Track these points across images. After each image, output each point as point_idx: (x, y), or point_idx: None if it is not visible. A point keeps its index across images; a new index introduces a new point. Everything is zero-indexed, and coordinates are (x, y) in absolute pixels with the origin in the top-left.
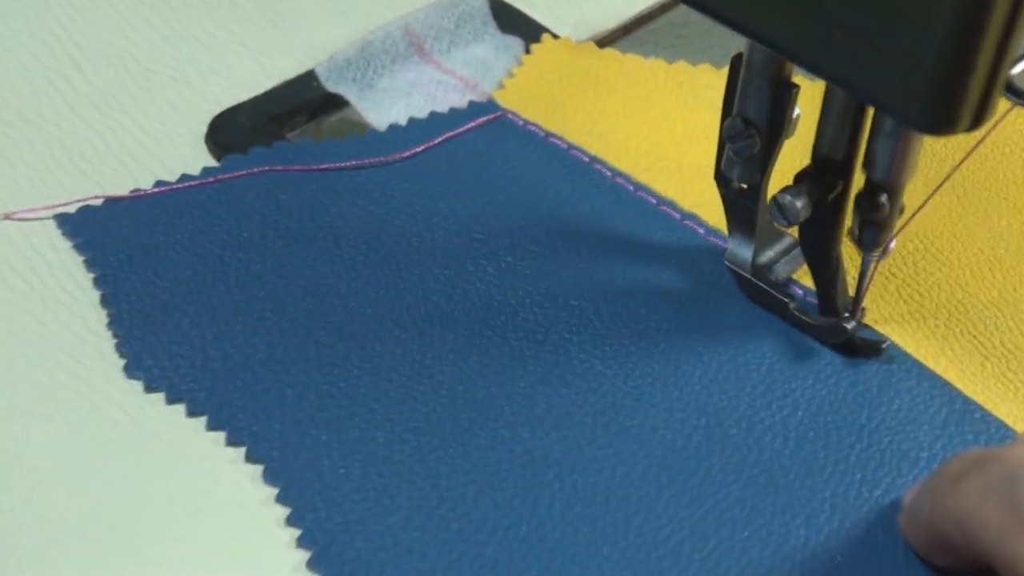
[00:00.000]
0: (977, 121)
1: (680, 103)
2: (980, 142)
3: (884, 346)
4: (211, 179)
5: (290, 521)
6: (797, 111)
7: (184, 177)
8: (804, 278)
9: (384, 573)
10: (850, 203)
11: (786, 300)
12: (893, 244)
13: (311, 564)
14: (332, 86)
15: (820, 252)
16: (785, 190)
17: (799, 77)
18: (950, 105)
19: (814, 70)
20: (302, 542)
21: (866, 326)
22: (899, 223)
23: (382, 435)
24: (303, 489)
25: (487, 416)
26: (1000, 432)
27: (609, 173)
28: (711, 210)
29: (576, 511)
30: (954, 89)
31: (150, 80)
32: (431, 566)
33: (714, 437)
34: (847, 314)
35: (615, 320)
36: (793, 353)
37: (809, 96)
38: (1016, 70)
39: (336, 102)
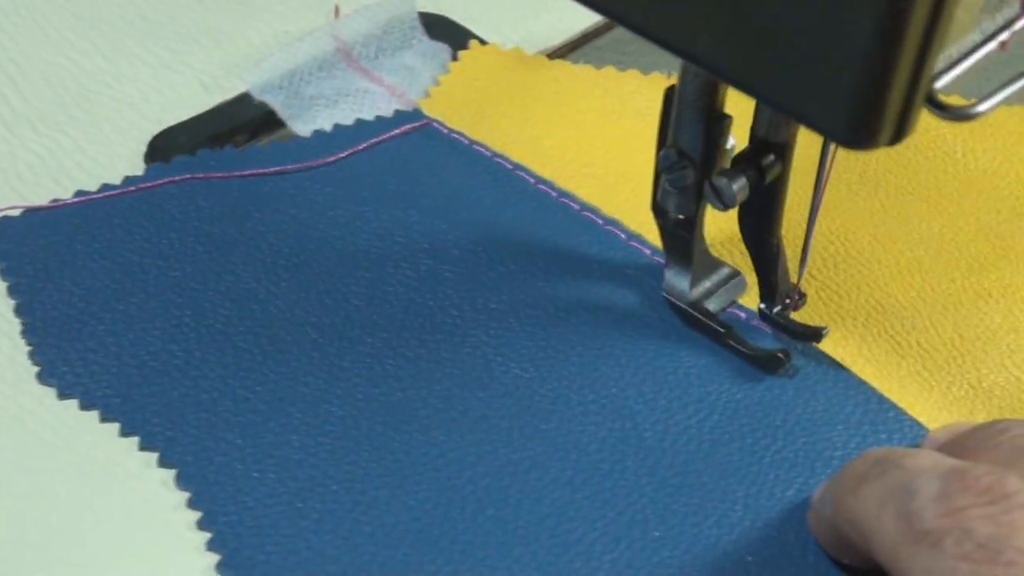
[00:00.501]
0: (898, 135)
1: (607, 109)
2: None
3: (824, 332)
4: (132, 188)
5: (201, 525)
6: (732, 142)
7: (105, 187)
8: (747, 301)
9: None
10: (787, 188)
11: (722, 330)
12: None
13: (220, 567)
14: (258, 93)
15: (759, 237)
16: (722, 172)
17: (733, 108)
18: (870, 120)
19: (739, 86)
20: (212, 545)
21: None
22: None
23: (297, 439)
24: (215, 493)
25: (402, 419)
26: (913, 431)
27: (532, 180)
28: (633, 216)
29: (488, 514)
30: (873, 105)
31: (89, 100)
32: (342, 569)
33: (629, 440)
34: (787, 300)
35: (533, 324)
36: (710, 357)
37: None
38: (939, 84)
39: (277, 120)
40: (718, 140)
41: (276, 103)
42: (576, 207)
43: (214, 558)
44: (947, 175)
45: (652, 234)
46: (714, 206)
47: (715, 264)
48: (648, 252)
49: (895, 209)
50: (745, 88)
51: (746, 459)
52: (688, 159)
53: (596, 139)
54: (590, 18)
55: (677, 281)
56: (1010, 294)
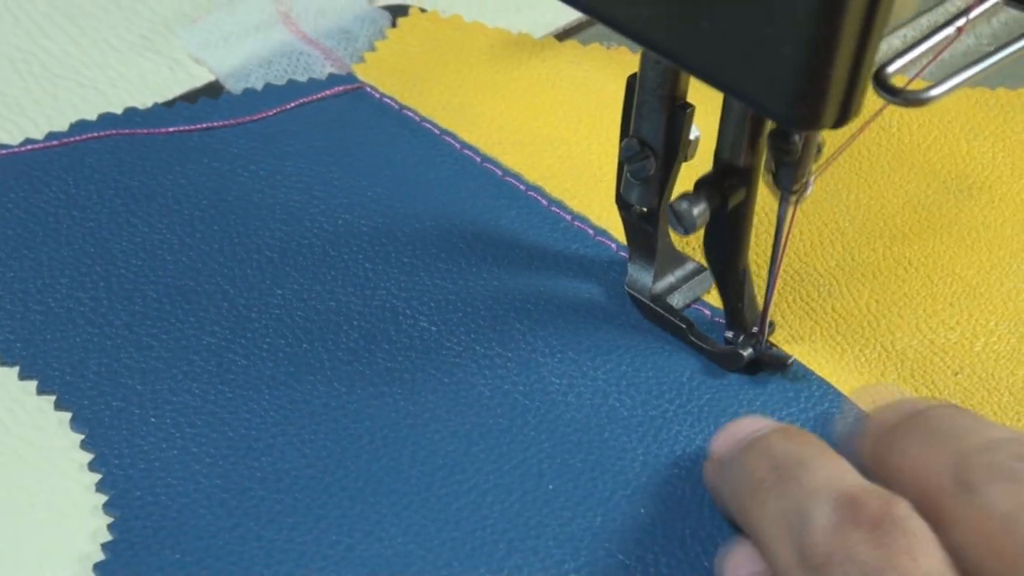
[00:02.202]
0: (843, 118)
1: (542, 78)
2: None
3: (790, 362)
4: (55, 142)
5: (92, 466)
6: (696, 133)
7: (27, 141)
8: (711, 298)
9: (181, 517)
10: (753, 214)
11: (684, 326)
12: (811, 187)
13: (107, 507)
14: (194, 51)
15: (725, 263)
16: (682, 196)
17: (696, 97)
18: (813, 102)
19: (681, 64)
20: (102, 486)
21: (772, 345)
22: (819, 163)
23: (197, 387)
24: (110, 436)
25: (306, 370)
26: (821, 389)
27: (458, 145)
28: (556, 183)
29: (382, 463)
30: (816, 87)
31: (56, 85)
32: (229, 511)
33: (533, 395)
34: (755, 328)
35: (444, 280)
36: (624, 313)
37: (713, 108)
38: (892, 68)
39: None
40: (680, 130)
41: (211, 61)
42: (499, 172)
43: (102, 498)
44: (881, 148)
45: (576, 200)
46: (675, 230)
47: (680, 259)
48: (569, 218)
49: (825, 180)
50: (691, 69)
51: (649, 414)
52: (650, 149)
53: (527, 107)
54: (571, 14)
55: (640, 276)
56: (931, 262)
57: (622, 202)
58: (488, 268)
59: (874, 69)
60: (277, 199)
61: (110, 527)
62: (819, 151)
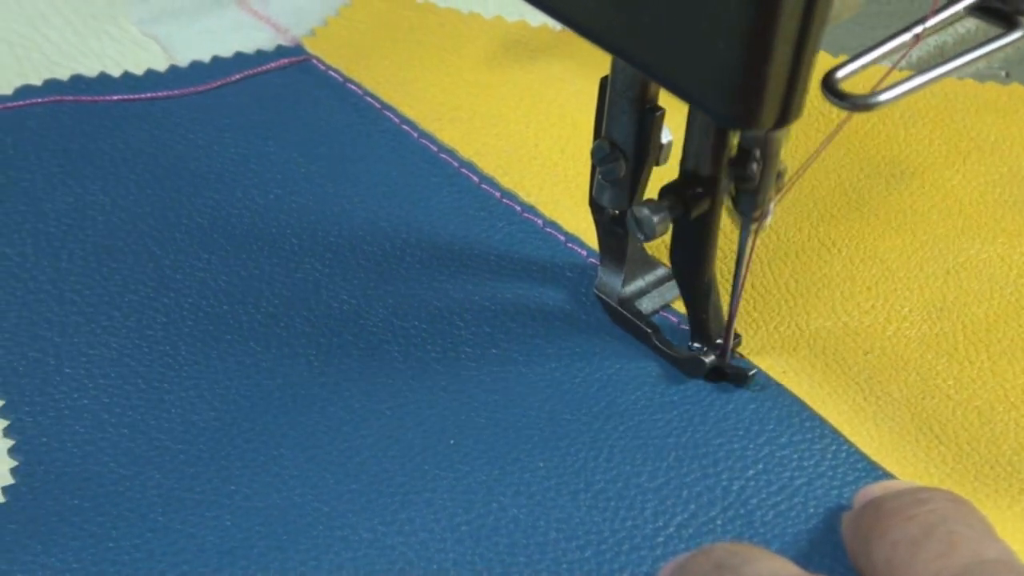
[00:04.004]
0: (783, 118)
1: (488, 56)
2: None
3: (752, 374)
4: None
5: (2, 412)
6: (669, 137)
7: None
8: (679, 304)
9: (85, 464)
10: (718, 224)
11: (649, 331)
12: (771, 214)
13: (12, 452)
14: (145, 28)
15: (689, 273)
16: (644, 203)
17: (668, 101)
18: (750, 100)
19: (625, 58)
20: (9, 431)
21: (738, 355)
22: (782, 189)
23: (115, 341)
24: (22, 384)
25: (224, 329)
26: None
27: (397, 120)
28: (490, 160)
29: (290, 418)
30: (754, 86)
31: (52, 71)
32: (134, 459)
33: (446, 360)
34: (719, 340)
35: (368, 258)
36: (564, 287)
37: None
38: (841, 73)
39: None
40: (650, 133)
41: (161, 36)
42: (435, 149)
43: (9, 443)
44: (819, 133)
45: (507, 177)
46: (635, 237)
47: (651, 263)
48: (498, 195)
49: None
50: (635, 64)
51: (554, 375)
52: (620, 152)
53: (471, 84)
54: None
55: (610, 279)
56: (854, 245)
57: (594, 205)
58: (412, 245)
59: (823, 72)
60: (212, 169)
61: (13, 471)
62: (780, 177)
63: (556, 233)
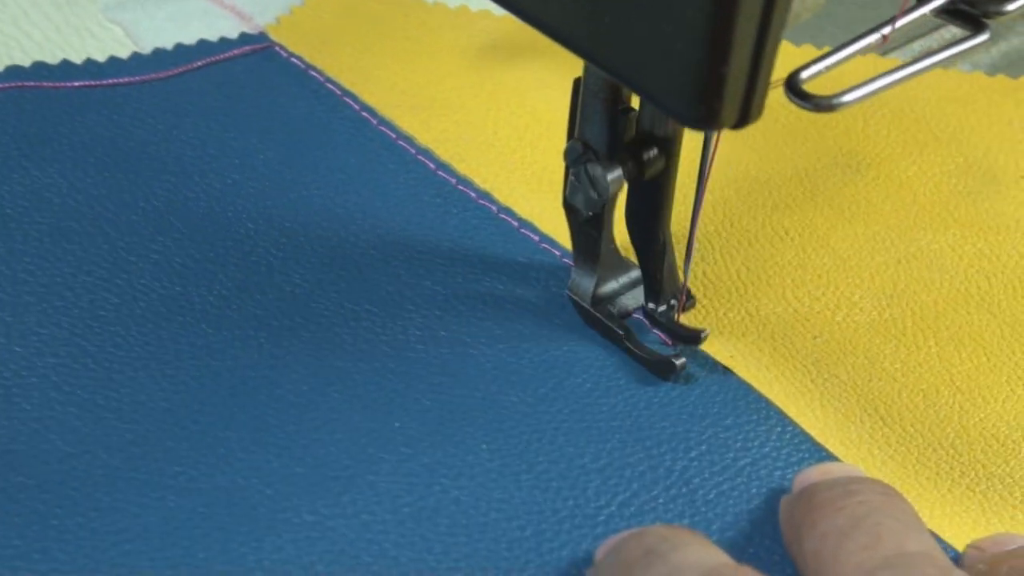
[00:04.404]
0: (743, 118)
1: (451, 45)
2: None
3: (704, 335)
4: None
5: None
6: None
7: None
8: None
9: (32, 442)
10: (675, 184)
11: (621, 333)
12: None
13: None
14: (111, 14)
15: (645, 233)
16: (598, 161)
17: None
18: (712, 101)
19: (589, 58)
20: None
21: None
22: None
23: (67, 320)
24: None
25: (176, 311)
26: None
27: (357, 106)
28: (447, 147)
29: (238, 400)
30: (713, 85)
31: (15, 59)
32: (80, 439)
33: (395, 342)
34: (673, 301)
35: (322, 243)
36: (515, 272)
37: None
38: (806, 74)
39: None
40: (622, 134)
41: (126, 22)
42: (393, 136)
43: None
44: (777, 124)
45: (464, 164)
46: (586, 196)
47: (625, 265)
48: (453, 181)
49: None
50: (599, 64)
51: (503, 359)
52: (593, 152)
53: (431, 73)
54: None
55: (583, 281)
56: (807, 233)
57: (567, 206)
58: (367, 230)
59: (787, 73)
60: (171, 154)
61: None
62: None
63: (509, 219)
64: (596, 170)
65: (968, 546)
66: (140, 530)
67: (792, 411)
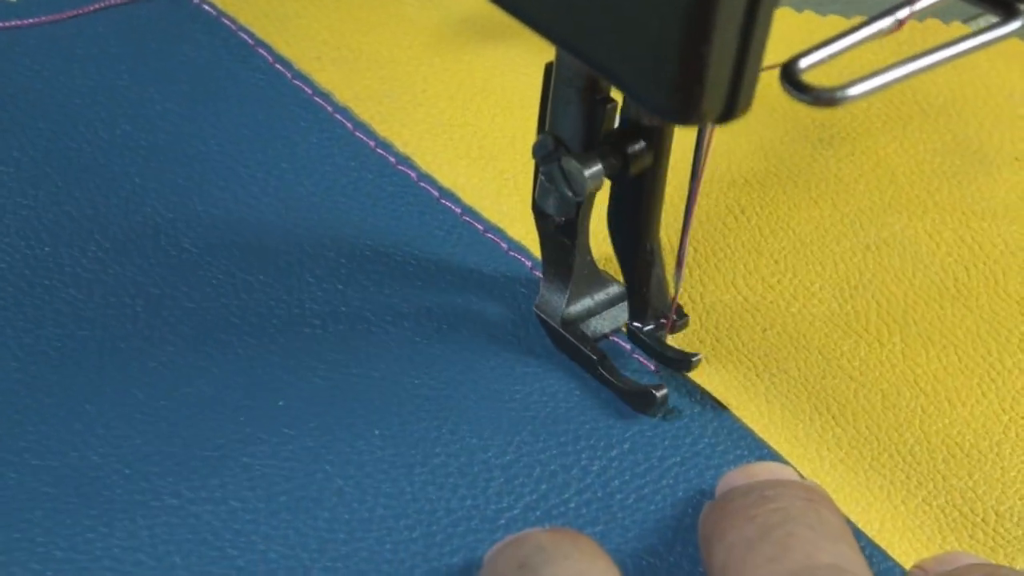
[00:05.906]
0: (729, 112)
1: None
2: None
3: (696, 360)
4: None
5: None
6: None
7: None
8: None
9: None
10: (664, 182)
11: (595, 358)
12: None
13: None
14: None
15: (630, 241)
16: (576, 155)
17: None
18: (691, 92)
19: (564, 46)
20: None
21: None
22: None
23: None
24: None
25: (42, 274)
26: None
27: (271, 58)
28: (368, 105)
29: (107, 372)
30: (692, 75)
31: None
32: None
33: (290, 317)
34: (662, 319)
35: (216, 204)
36: (429, 244)
37: None
38: (805, 62)
39: None
40: (600, 129)
41: None
42: (309, 91)
43: None
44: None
45: (384, 125)
46: (561, 194)
47: (602, 280)
48: (372, 144)
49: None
50: (575, 53)
51: (406, 335)
52: (566, 149)
53: (360, 22)
54: None
55: (553, 297)
56: (766, 213)
57: (537, 210)
58: (269, 192)
59: (784, 60)
60: (55, 100)
61: None
62: None
63: (430, 188)
64: (572, 164)
65: (913, 566)
66: None
67: (733, 404)
